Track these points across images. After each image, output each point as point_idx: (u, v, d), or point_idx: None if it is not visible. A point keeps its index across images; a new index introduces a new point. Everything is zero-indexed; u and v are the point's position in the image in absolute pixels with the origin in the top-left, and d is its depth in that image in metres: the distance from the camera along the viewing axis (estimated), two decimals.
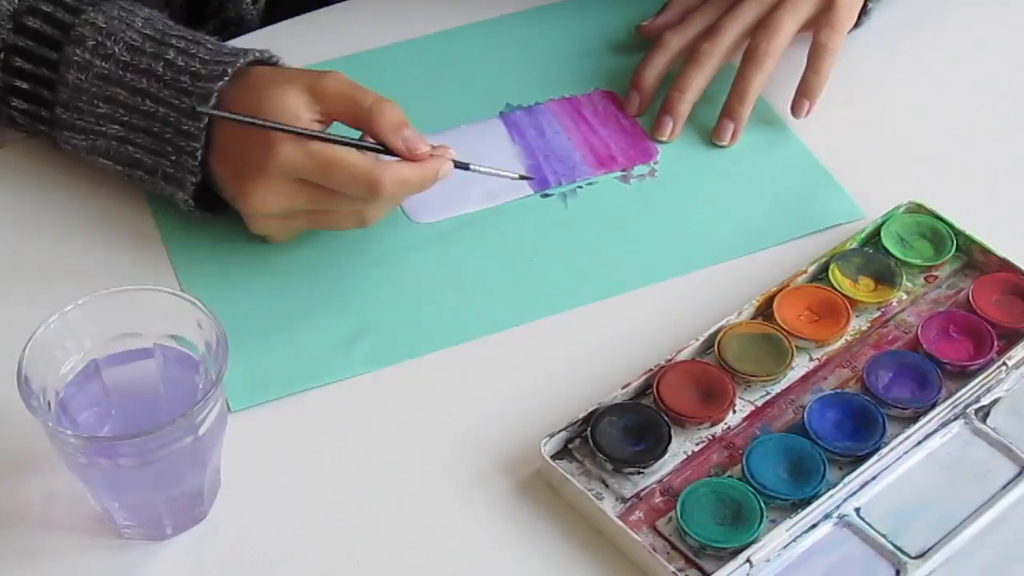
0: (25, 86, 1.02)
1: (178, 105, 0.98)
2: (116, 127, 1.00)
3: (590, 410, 0.91)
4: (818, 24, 1.12)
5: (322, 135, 0.97)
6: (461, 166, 1.01)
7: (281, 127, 0.96)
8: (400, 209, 1.06)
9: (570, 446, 0.91)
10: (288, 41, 1.18)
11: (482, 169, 1.03)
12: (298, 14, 1.23)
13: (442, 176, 0.99)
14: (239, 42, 1.09)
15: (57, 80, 1.01)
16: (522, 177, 1.07)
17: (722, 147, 1.12)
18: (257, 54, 1.01)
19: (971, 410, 0.93)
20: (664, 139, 1.12)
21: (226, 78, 0.98)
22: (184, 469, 0.84)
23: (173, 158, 0.99)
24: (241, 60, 1.00)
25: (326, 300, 1.01)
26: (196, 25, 1.05)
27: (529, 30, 1.22)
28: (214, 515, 0.89)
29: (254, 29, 1.21)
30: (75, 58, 1.00)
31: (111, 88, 1.00)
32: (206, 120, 0.98)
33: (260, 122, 0.96)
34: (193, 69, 0.99)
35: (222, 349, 0.83)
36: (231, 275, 1.02)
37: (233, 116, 0.97)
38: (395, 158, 0.97)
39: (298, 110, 0.97)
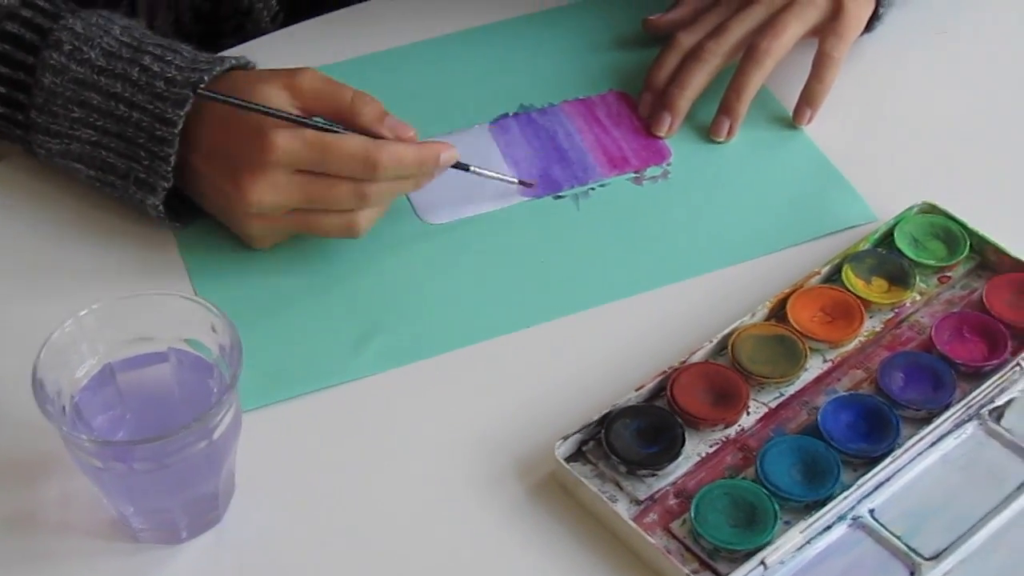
0: (2, 90, 1.02)
1: (152, 110, 0.98)
2: (90, 131, 1.00)
3: (604, 412, 0.91)
4: (824, 32, 1.12)
5: (313, 123, 0.97)
6: (461, 167, 1.02)
7: (276, 113, 0.96)
8: (412, 210, 1.06)
9: (584, 448, 0.91)
10: (303, 44, 1.19)
11: (483, 172, 1.04)
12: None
13: (444, 163, 1.00)
14: (251, 44, 1.08)
15: (33, 84, 1.01)
16: (522, 183, 1.07)
17: (720, 143, 1.12)
18: (234, 61, 1.02)
19: (985, 411, 0.92)
20: (662, 134, 1.12)
21: (202, 85, 0.98)
22: (199, 473, 0.84)
23: (146, 163, 0.99)
24: (218, 67, 1.00)
25: (337, 301, 1.01)
26: (214, 43, 1.04)
27: (544, 31, 1.22)
28: (229, 518, 0.89)
29: None
30: (51, 62, 1.00)
31: (86, 92, 1.00)
32: (180, 126, 0.98)
33: (255, 107, 0.96)
34: (169, 75, 0.99)
35: (236, 353, 0.83)
36: (244, 278, 1.02)
37: (229, 99, 0.97)
38: None
39: (279, 106, 0.98)
